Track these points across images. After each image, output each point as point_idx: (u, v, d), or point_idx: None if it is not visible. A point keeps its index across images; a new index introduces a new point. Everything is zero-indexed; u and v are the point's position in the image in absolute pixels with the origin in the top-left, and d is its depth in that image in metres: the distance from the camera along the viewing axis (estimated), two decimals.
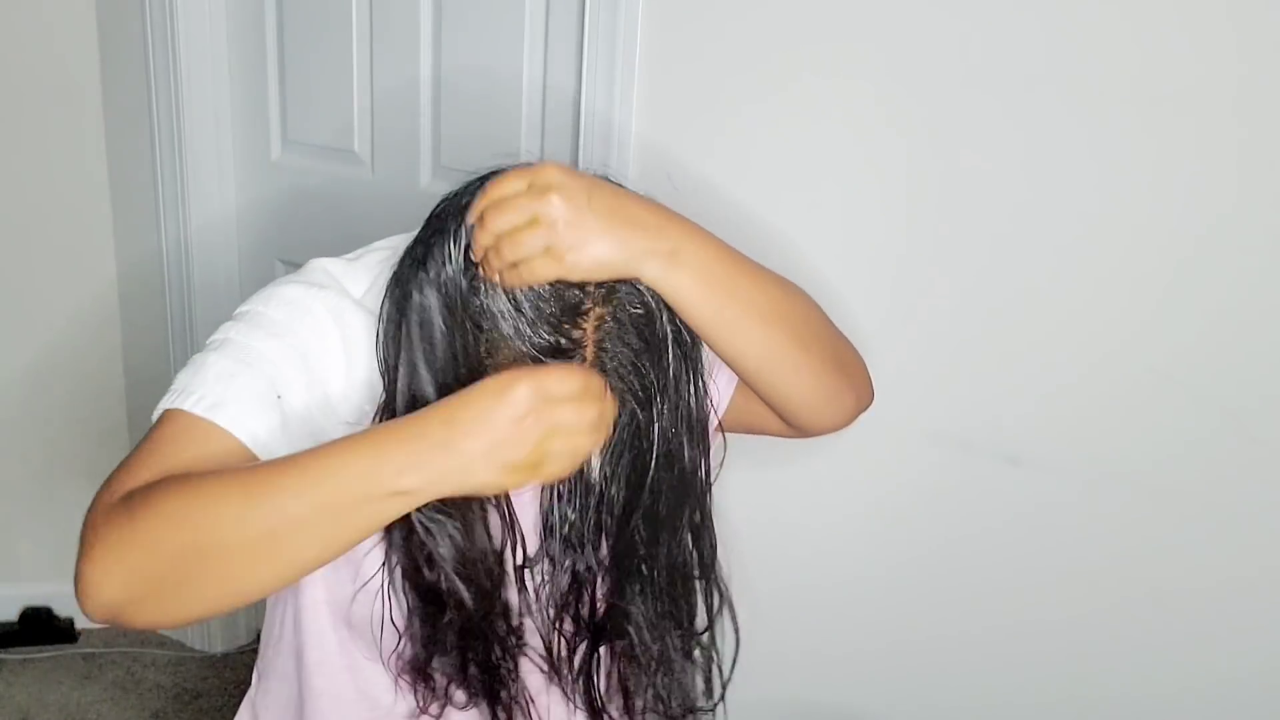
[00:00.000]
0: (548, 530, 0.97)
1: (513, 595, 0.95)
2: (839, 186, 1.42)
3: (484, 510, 0.90)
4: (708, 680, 1.03)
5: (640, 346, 0.81)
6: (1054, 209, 1.30)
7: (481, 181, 0.82)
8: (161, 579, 0.75)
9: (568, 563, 0.97)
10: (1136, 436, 1.31)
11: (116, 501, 0.77)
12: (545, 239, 0.76)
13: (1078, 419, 1.34)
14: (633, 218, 0.79)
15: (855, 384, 0.99)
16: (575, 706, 1.03)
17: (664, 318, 0.82)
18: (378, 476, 0.73)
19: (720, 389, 1.00)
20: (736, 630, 1.01)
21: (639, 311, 0.80)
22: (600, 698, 1.02)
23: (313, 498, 0.73)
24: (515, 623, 0.95)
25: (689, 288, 0.81)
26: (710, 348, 0.88)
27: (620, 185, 0.82)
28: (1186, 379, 1.27)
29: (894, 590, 1.52)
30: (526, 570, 0.99)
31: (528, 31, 1.66)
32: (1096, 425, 1.33)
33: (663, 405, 0.84)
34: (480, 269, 0.80)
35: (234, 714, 1.12)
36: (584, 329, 0.79)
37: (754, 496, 1.54)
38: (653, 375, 0.82)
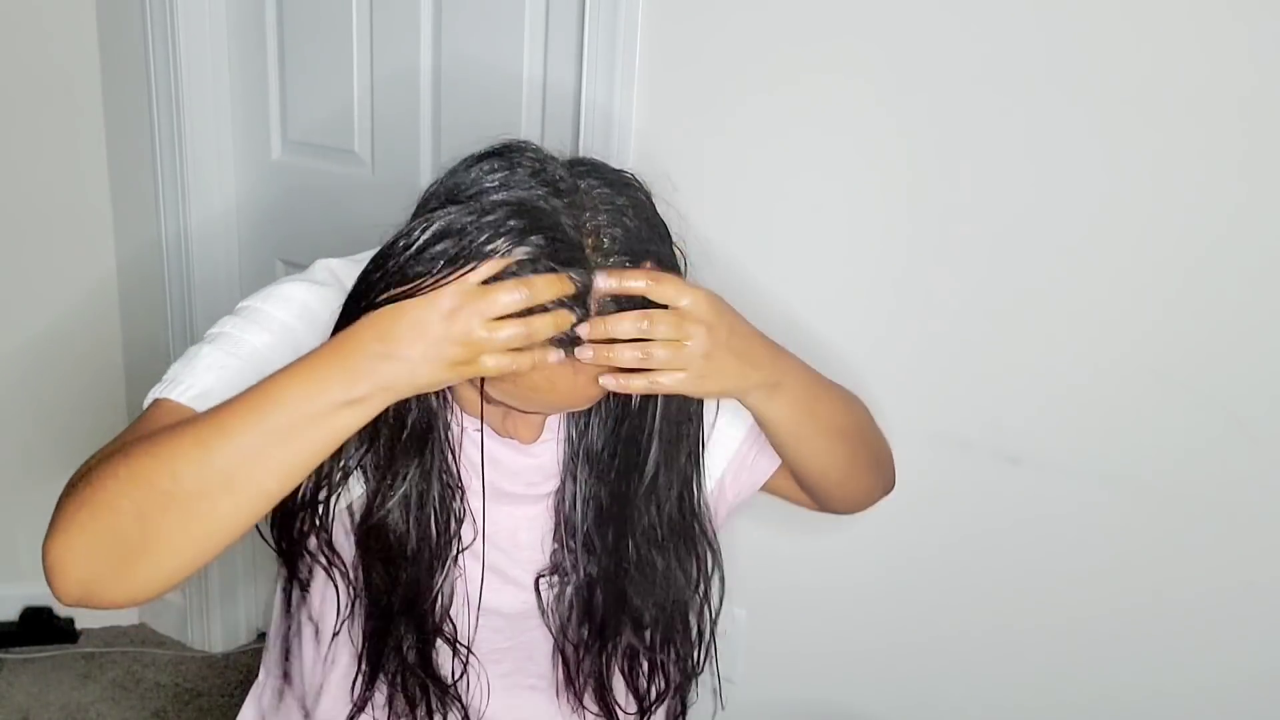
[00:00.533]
0: (569, 533, 0.97)
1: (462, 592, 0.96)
2: (841, 186, 1.42)
3: (446, 508, 0.91)
4: (700, 640, 1.05)
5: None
6: (1057, 210, 1.30)
7: (472, 162, 0.83)
8: (126, 541, 0.75)
9: (583, 567, 0.97)
10: (1139, 438, 1.31)
11: (78, 478, 0.78)
12: (679, 362, 0.81)
13: (1080, 421, 1.34)
14: (755, 357, 0.87)
15: (885, 479, 1.11)
16: (588, 711, 1.03)
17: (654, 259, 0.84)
18: (324, 394, 0.75)
19: (761, 468, 1.06)
20: (721, 589, 1.04)
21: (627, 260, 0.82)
22: (613, 698, 1.02)
23: (264, 427, 0.75)
24: (438, 622, 0.95)
25: (780, 414, 0.92)
26: (779, 452, 1.00)
27: (740, 316, 0.87)
28: (1189, 381, 1.27)
29: (894, 591, 1.52)
30: (542, 579, 0.99)
31: (528, 24, 1.65)
32: (1099, 427, 1.33)
33: None
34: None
35: (234, 714, 1.12)
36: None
37: (754, 497, 1.54)
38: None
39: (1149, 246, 1.26)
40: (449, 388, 0.86)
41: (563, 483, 0.97)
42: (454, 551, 0.94)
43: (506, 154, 0.83)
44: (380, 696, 0.98)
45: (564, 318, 0.77)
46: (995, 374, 1.38)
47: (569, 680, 1.02)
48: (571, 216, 0.79)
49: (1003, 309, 1.35)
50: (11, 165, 2.07)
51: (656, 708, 1.05)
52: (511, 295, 0.74)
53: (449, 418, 0.91)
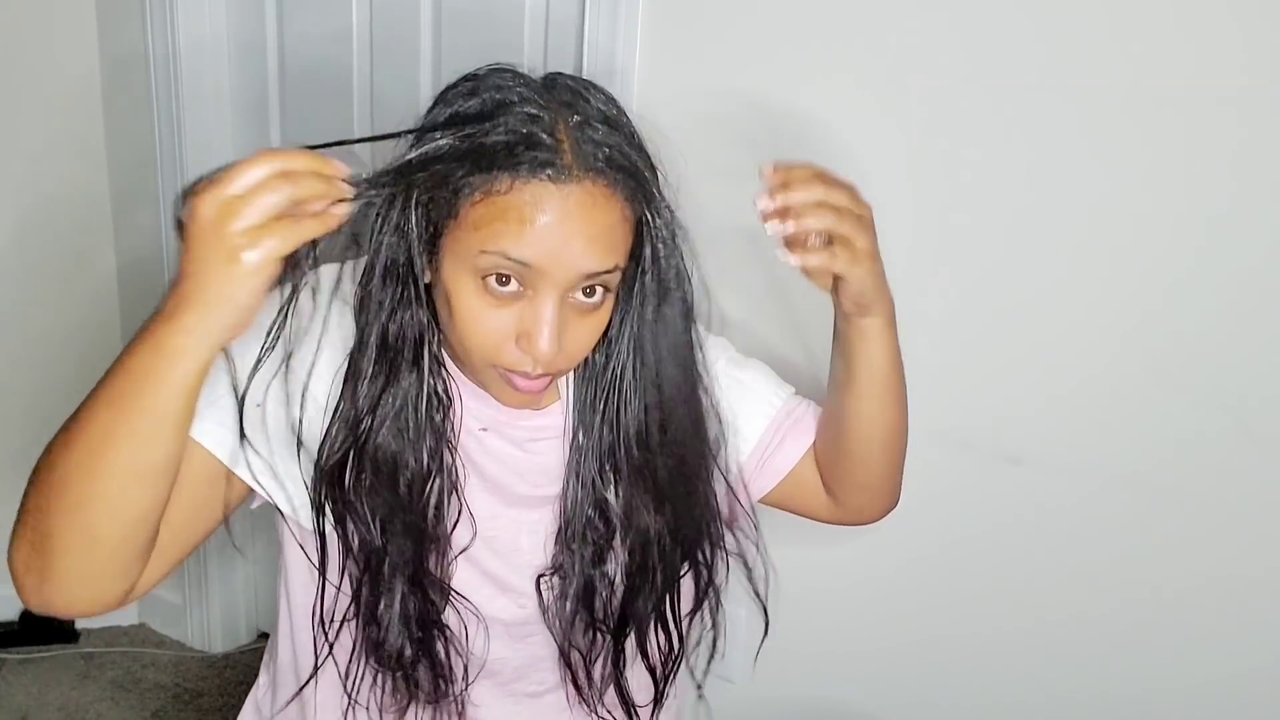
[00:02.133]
0: (570, 535, 0.97)
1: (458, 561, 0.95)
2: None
3: (437, 429, 0.90)
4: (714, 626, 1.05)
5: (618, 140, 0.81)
6: (1055, 210, 1.30)
7: (473, 79, 0.84)
8: (46, 537, 0.76)
9: (585, 568, 0.97)
10: (1138, 436, 1.31)
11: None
12: (862, 235, 0.78)
13: (1080, 421, 1.34)
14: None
15: (897, 487, 1.09)
16: (597, 716, 1.03)
17: (627, 122, 0.83)
18: (148, 352, 0.74)
19: (786, 454, 1.04)
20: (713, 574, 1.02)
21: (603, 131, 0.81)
22: (630, 697, 1.02)
23: (109, 396, 0.76)
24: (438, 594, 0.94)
25: (889, 348, 0.91)
26: (852, 402, 0.95)
27: None
28: (1187, 379, 1.27)
29: (895, 591, 1.52)
30: (543, 578, 0.98)
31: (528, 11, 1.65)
32: (1098, 425, 1.33)
33: (655, 217, 0.85)
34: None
35: (234, 714, 1.12)
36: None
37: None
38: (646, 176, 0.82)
39: (1148, 245, 1.26)
40: (446, 301, 0.85)
41: (566, 482, 0.97)
42: (448, 480, 0.92)
43: (478, 74, 0.84)
44: (376, 687, 0.98)
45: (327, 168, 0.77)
46: (995, 374, 1.38)
47: (576, 683, 1.01)
48: (541, 93, 0.80)
49: (1003, 309, 1.36)
50: (9, 173, 2.07)
51: (666, 689, 1.03)
52: (256, 170, 0.74)
53: (451, 389, 0.91)
